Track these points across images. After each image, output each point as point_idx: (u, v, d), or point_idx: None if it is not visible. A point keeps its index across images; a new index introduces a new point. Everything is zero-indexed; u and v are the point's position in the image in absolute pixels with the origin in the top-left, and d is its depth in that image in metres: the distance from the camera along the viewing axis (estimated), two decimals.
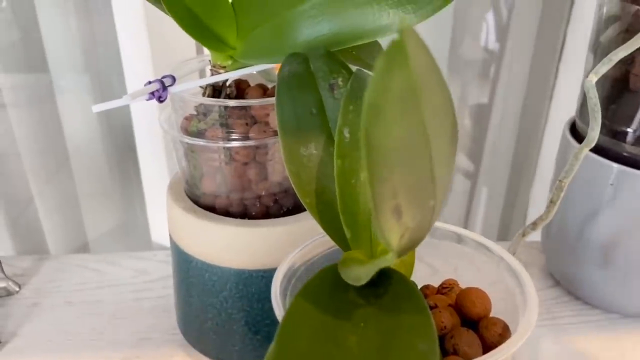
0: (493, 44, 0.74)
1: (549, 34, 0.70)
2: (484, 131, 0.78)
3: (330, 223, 0.23)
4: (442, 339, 0.23)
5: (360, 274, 0.19)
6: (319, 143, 0.24)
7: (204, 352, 0.37)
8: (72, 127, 0.71)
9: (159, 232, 0.66)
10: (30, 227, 0.75)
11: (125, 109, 0.59)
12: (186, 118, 0.33)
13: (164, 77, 0.30)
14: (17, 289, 0.43)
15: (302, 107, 0.24)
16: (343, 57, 0.35)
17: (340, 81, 0.25)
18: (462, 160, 0.83)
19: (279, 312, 0.23)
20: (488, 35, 0.73)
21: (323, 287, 0.20)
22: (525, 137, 0.77)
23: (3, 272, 0.43)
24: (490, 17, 0.72)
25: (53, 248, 0.77)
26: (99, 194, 0.75)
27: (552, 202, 0.35)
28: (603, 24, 0.37)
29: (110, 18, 0.54)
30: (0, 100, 0.70)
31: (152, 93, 0.29)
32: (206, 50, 0.33)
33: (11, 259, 0.47)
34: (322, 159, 0.24)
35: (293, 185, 0.23)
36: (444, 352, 0.23)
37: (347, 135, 0.22)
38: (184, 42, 0.49)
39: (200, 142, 0.32)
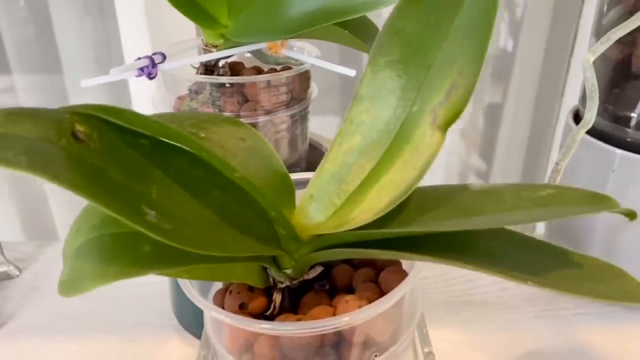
0: (506, 42, 0.73)
1: (560, 30, 0.69)
2: (496, 130, 0.77)
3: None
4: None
5: None
6: (140, 198, 0.18)
7: (197, 336, 0.37)
8: None
9: None
10: (41, 217, 0.77)
11: (127, 100, 0.60)
12: (179, 97, 0.33)
13: (154, 54, 0.30)
14: (18, 272, 0.44)
15: (101, 179, 0.18)
16: (337, 39, 0.34)
17: (78, 126, 0.19)
18: (475, 160, 0.82)
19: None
20: (500, 32, 0.72)
21: None
22: (538, 134, 0.75)
23: (4, 255, 0.43)
24: (502, 15, 0.71)
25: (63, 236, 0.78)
26: None
27: None
28: (606, 7, 0.37)
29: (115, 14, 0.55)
30: (16, 102, 0.72)
31: (142, 69, 0.29)
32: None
33: (14, 244, 0.47)
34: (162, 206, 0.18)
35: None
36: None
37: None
38: (183, 30, 0.50)
39: None
